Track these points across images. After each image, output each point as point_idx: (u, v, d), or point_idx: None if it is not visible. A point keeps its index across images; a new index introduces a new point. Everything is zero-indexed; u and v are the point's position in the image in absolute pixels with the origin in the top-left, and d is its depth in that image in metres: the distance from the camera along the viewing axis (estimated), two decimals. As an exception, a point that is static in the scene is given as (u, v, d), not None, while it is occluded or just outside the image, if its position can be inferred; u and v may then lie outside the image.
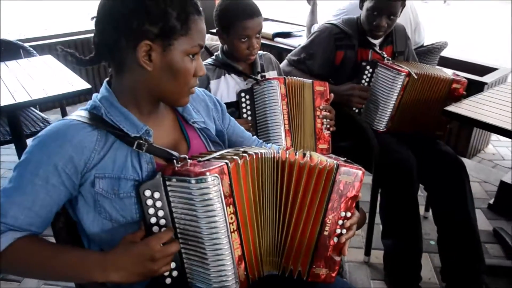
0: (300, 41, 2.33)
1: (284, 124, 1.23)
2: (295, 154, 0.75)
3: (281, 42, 2.46)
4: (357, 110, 1.50)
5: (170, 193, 0.69)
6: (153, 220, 0.69)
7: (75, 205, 0.72)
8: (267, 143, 1.01)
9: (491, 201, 1.96)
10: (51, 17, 7.50)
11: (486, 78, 2.21)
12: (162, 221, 0.69)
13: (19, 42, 2.09)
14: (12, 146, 1.74)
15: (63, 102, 2.08)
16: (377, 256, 1.61)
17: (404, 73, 1.38)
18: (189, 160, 0.70)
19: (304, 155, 0.76)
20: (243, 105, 1.26)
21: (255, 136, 1.00)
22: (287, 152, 0.75)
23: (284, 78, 1.25)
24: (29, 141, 1.68)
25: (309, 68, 1.52)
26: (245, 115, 1.26)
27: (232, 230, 0.68)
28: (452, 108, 1.35)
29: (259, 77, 1.28)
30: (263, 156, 0.73)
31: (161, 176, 0.69)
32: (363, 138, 1.43)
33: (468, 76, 2.08)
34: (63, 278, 0.71)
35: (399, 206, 1.41)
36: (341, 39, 1.49)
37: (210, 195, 0.65)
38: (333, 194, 0.73)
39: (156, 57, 0.68)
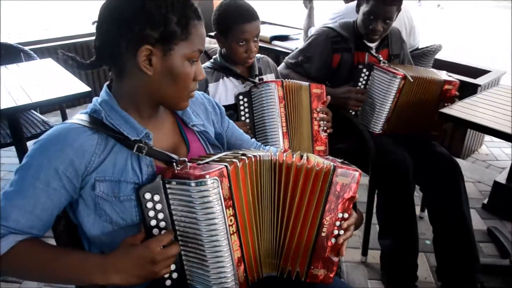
0: (297, 44, 2.34)
1: (282, 126, 1.24)
2: (293, 156, 0.76)
3: (278, 45, 2.48)
4: (353, 113, 1.52)
5: (170, 196, 0.69)
6: (153, 222, 0.70)
7: (76, 208, 0.73)
8: (265, 146, 1.02)
9: (485, 201, 1.99)
10: (51, 17, 7.48)
11: (479, 80, 2.24)
12: (162, 224, 0.70)
13: (19, 46, 2.10)
14: (13, 148, 1.74)
15: (63, 105, 2.09)
16: (374, 256, 1.62)
17: (400, 76, 1.40)
18: (188, 163, 0.71)
19: (301, 157, 0.77)
20: (241, 107, 1.27)
21: (253, 139, 1.01)
22: (285, 154, 0.76)
23: (282, 81, 1.26)
24: (29, 144, 1.69)
25: (306, 71, 1.54)
26: (243, 118, 1.27)
27: (231, 232, 0.68)
28: (447, 110, 1.38)
29: (257, 80, 1.29)
30: (262, 158, 0.74)
31: (161, 179, 0.69)
32: (360, 140, 1.45)
33: (461, 78, 2.11)
34: (64, 280, 0.71)
35: (396, 207, 1.43)
36: (338, 42, 1.51)
37: (209, 198, 0.66)
38: (330, 195, 0.74)
39: (156, 61, 0.69)
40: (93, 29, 0.72)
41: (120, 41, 0.68)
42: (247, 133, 1.03)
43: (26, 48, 2.11)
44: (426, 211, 1.58)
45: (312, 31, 1.84)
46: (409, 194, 1.41)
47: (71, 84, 1.64)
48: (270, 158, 0.75)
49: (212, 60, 1.31)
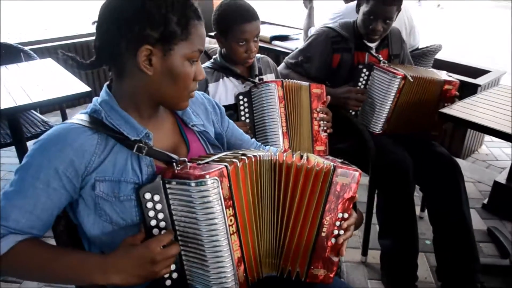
0: (297, 44, 2.34)
1: (282, 126, 1.25)
2: (293, 156, 0.76)
3: (278, 45, 2.48)
4: (353, 113, 1.52)
5: (170, 196, 0.69)
6: (153, 222, 0.70)
7: (76, 208, 0.73)
8: (265, 146, 1.02)
9: (485, 201, 1.99)
10: (51, 17, 7.49)
11: (479, 80, 2.24)
12: (162, 224, 0.70)
13: (19, 46, 2.10)
14: (13, 148, 1.75)
15: (63, 105, 2.09)
16: (374, 256, 1.62)
17: (400, 76, 1.40)
18: (188, 163, 0.71)
19: (301, 157, 0.77)
20: (241, 107, 1.27)
21: (253, 139, 1.01)
22: (285, 154, 0.76)
23: (282, 81, 1.26)
24: (29, 144, 1.70)
25: (306, 71, 1.54)
26: (243, 118, 1.27)
27: (231, 232, 0.68)
28: (447, 110, 1.38)
29: (257, 80, 1.29)
30: (262, 158, 0.74)
31: (161, 179, 0.69)
32: (360, 139, 1.45)
33: (461, 78, 2.11)
34: (64, 280, 0.71)
35: (396, 207, 1.43)
36: (338, 42, 1.51)
37: (209, 198, 0.66)
38: (330, 195, 0.74)
39: (156, 61, 0.69)
40: (93, 29, 0.72)
41: (120, 41, 0.68)
42: (247, 133, 1.03)
43: (26, 48, 2.11)
44: (426, 211, 1.58)
45: (312, 31, 1.84)
46: (409, 194, 1.41)
47: (71, 84, 1.65)
48: (270, 158, 0.75)
49: (212, 60, 1.31)
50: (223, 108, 0.95)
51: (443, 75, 1.52)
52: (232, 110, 1.26)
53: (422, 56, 2.01)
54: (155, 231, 0.70)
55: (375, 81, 1.46)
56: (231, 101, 1.28)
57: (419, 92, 1.47)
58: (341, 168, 0.74)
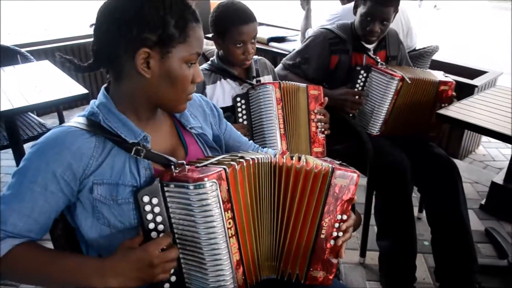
0: (294, 45, 2.35)
1: (280, 128, 1.25)
2: (291, 159, 0.76)
3: (275, 46, 2.48)
4: (351, 114, 1.52)
5: (168, 199, 0.69)
6: (151, 225, 0.70)
7: (74, 211, 0.72)
8: (263, 147, 1.02)
9: (483, 202, 2.00)
10: (51, 17, 7.48)
11: (476, 81, 2.25)
12: (161, 227, 0.70)
13: (16, 48, 2.10)
14: (10, 151, 1.74)
15: (60, 107, 2.09)
16: (373, 257, 1.62)
17: (398, 78, 1.40)
18: (187, 166, 0.71)
19: (300, 159, 0.77)
20: (239, 109, 1.27)
21: (251, 141, 1.01)
22: (284, 156, 0.76)
23: (279, 82, 1.26)
24: (26, 146, 1.69)
25: (304, 72, 1.54)
26: (240, 120, 1.27)
27: (230, 235, 0.68)
28: (444, 111, 1.38)
29: (254, 81, 1.29)
30: (260, 161, 0.74)
31: (159, 182, 0.69)
32: (358, 141, 1.45)
33: (458, 79, 2.12)
34: (62, 284, 0.71)
35: (394, 208, 1.43)
36: (336, 43, 1.51)
37: (208, 201, 0.65)
38: (329, 197, 0.74)
39: (154, 64, 0.69)
40: (89, 31, 0.71)
41: (118, 44, 0.68)
42: (245, 136, 1.03)
43: (23, 50, 2.11)
44: (424, 212, 1.58)
45: (310, 32, 1.84)
46: (407, 195, 1.42)
47: (68, 86, 1.64)
48: (268, 161, 0.75)
49: (209, 62, 1.31)
50: (221, 110, 0.95)
51: (440, 76, 1.53)
52: (230, 112, 1.26)
53: (419, 57, 2.02)
54: (154, 234, 0.70)
55: (373, 83, 1.47)
56: (229, 103, 1.27)
57: (417, 93, 1.47)
58: (339, 170, 0.74)
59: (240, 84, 1.30)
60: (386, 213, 1.46)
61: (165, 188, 0.69)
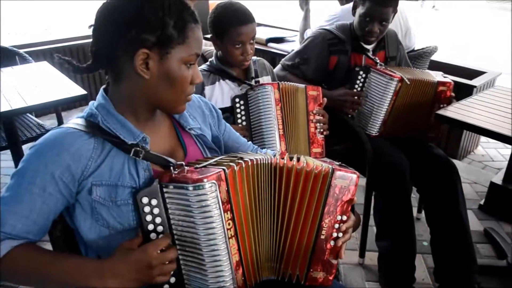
0: (293, 46, 2.35)
1: (279, 129, 1.25)
2: (291, 160, 0.76)
3: (274, 47, 2.48)
4: (350, 115, 1.52)
5: (167, 200, 0.69)
6: (150, 227, 0.69)
7: (73, 212, 0.72)
8: (262, 148, 1.02)
9: (482, 202, 2.00)
10: (51, 17, 7.48)
11: (475, 82, 2.26)
12: (160, 228, 0.70)
13: (14, 49, 2.10)
14: (8, 152, 1.74)
15: (58, 108, 2.08)
16: (372, 258, 1.62)
17: (397, 79, 1.41)
18: (186, 167, 0.71)
19: (299, 159, 0.77)
20: (238, 110, 1.27)
21: (250, 142, 1.01)
22: (284, 158, 0.76)
23: (278, 83, 1.26)
24: (25, 147, 1.69)
25: (303, 73, 1.54)
26: (239, 121, 1.27)
27: (229, 236, 0.68)
28: (443, 111, 1.38)
29: (253, 82, 1.29)
30: (260, 162, 0.74)
31: (158, 183, 0.69)
32: (357, 142, 1.45)
33: (457, 80, 2.12)
34: (61, 285, 0.70)
35: (393, 208, 1.43)
36: (335, 44, 1.51)
37: (207, 202, 0.65)
38: (329, 198, 0.74)
39: (153, 65, 0.68)
40: (88, 32, 0.71)
41: (117, 45, 0.68)
42: (245, 137, 1.03)
43: (21, 51, 2.10)
44: (423, 212, 1.58)
45: (308, 33, 1.84)
46: (406, 196, 1.42)
47: (67, 87, 1.64)
48: (268, 162, 0.75)
49: (208, 63, 1.31)
50: (220, 111, 0.95)
51: (438, 76, 1.53)
52: (229, 113, 1.26)
53: (418, 57, 2.03)
54: (153, 235, 0.70)
55: (372, 84, 1.47)
56: (228, 103, 1.27)
57: (416, 94, 1.47)
58: (339, 171, 0.74)
59: (239, 84, 1.30)
60: (385, 213, 1.47)
61: (164, 189, 0.69)
